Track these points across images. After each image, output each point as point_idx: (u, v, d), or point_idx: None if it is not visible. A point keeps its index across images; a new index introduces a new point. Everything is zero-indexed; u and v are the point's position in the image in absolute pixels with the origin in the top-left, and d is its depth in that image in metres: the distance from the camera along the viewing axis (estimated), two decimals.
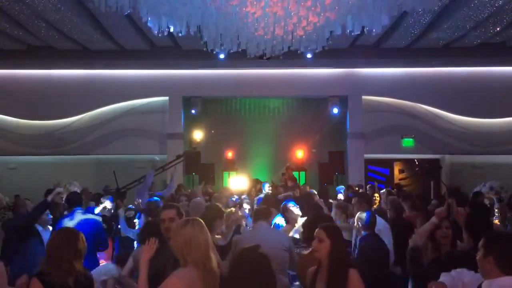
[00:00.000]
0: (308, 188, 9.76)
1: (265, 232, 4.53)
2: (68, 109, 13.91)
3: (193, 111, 14.25)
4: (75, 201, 5.81)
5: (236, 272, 2.70)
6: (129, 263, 4.64)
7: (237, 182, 12.33)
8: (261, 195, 8.95)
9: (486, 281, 2.69)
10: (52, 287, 3.30)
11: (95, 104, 14.07)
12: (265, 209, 4.87)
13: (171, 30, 6.98)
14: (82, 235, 3.60)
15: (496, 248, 2.69)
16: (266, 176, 13.35)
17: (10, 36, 11.74)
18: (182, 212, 4.13)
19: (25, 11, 10.11)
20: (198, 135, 13.72)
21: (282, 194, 8.98)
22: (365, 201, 6.02)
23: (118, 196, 8.66)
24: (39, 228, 5.81)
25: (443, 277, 3.13)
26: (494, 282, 2.65)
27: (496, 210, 8.11)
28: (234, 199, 8.29)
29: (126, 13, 7.23)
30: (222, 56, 10.99)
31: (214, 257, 3.13)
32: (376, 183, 10.99)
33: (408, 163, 14.53)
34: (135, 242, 6.11)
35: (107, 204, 7.54)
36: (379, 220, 5.33)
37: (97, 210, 7.32)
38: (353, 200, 6.50)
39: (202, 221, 3.22)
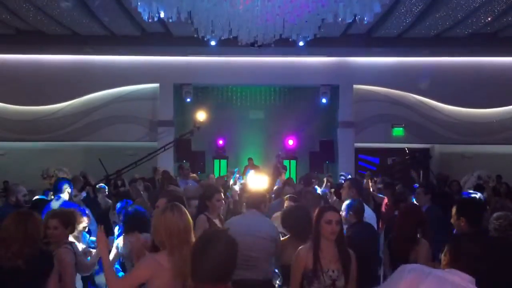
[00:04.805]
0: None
1: (254, 219, 4.46)
2: (57, 95, 13.76)
3: (184, 99, 14.18)
4: None
5: (197, 250, 2.65)
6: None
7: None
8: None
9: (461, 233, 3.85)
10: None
11: (85, 90, 13.93)
12: (259, 196, 4.73)
13: (162, 16, 6.91)
14: (36, 217, 3.45)
15: (467, 211, 3.92)
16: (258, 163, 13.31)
17: None
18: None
19: None
20: (201, 115, 13.53)
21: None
22: (355, 187, 5.87)
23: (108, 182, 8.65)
24: None
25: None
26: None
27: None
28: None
29: None
30: (213, 43, 10.89)
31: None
32: (368, 172, 10.50)
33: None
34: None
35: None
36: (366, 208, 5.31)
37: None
38: (344, 184, 6.33)
39: (182, 206, 3.18)
